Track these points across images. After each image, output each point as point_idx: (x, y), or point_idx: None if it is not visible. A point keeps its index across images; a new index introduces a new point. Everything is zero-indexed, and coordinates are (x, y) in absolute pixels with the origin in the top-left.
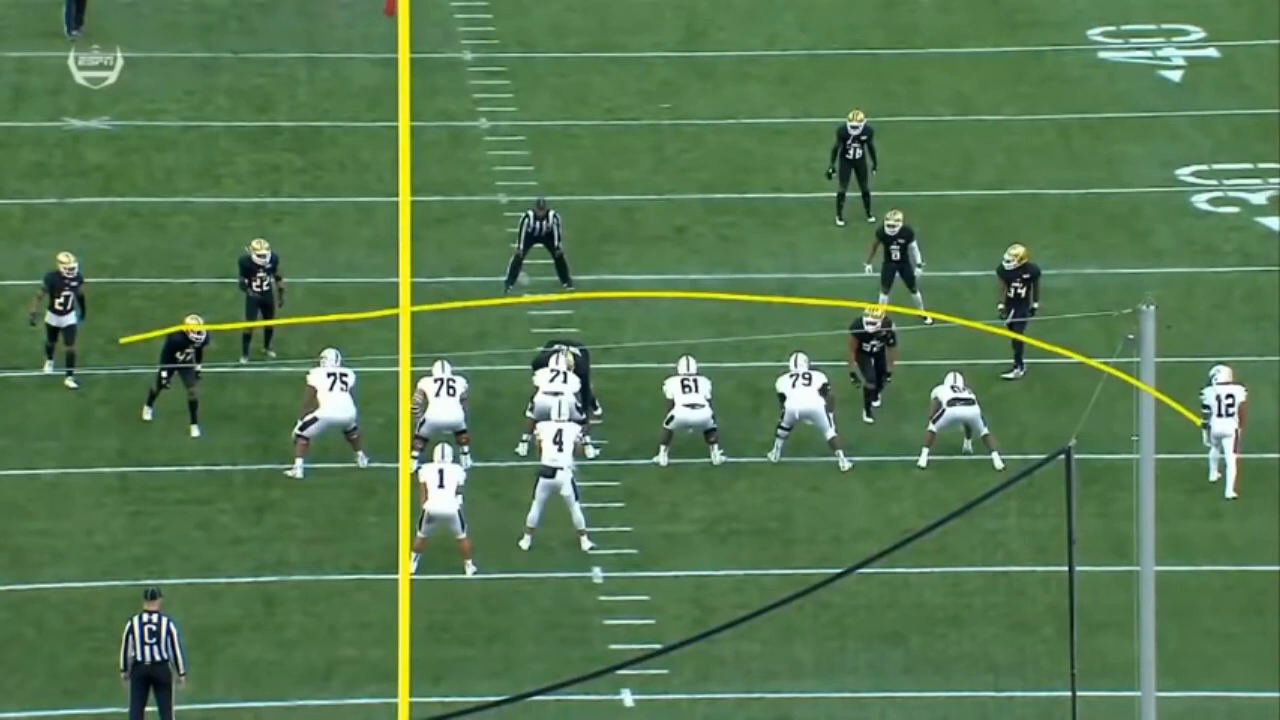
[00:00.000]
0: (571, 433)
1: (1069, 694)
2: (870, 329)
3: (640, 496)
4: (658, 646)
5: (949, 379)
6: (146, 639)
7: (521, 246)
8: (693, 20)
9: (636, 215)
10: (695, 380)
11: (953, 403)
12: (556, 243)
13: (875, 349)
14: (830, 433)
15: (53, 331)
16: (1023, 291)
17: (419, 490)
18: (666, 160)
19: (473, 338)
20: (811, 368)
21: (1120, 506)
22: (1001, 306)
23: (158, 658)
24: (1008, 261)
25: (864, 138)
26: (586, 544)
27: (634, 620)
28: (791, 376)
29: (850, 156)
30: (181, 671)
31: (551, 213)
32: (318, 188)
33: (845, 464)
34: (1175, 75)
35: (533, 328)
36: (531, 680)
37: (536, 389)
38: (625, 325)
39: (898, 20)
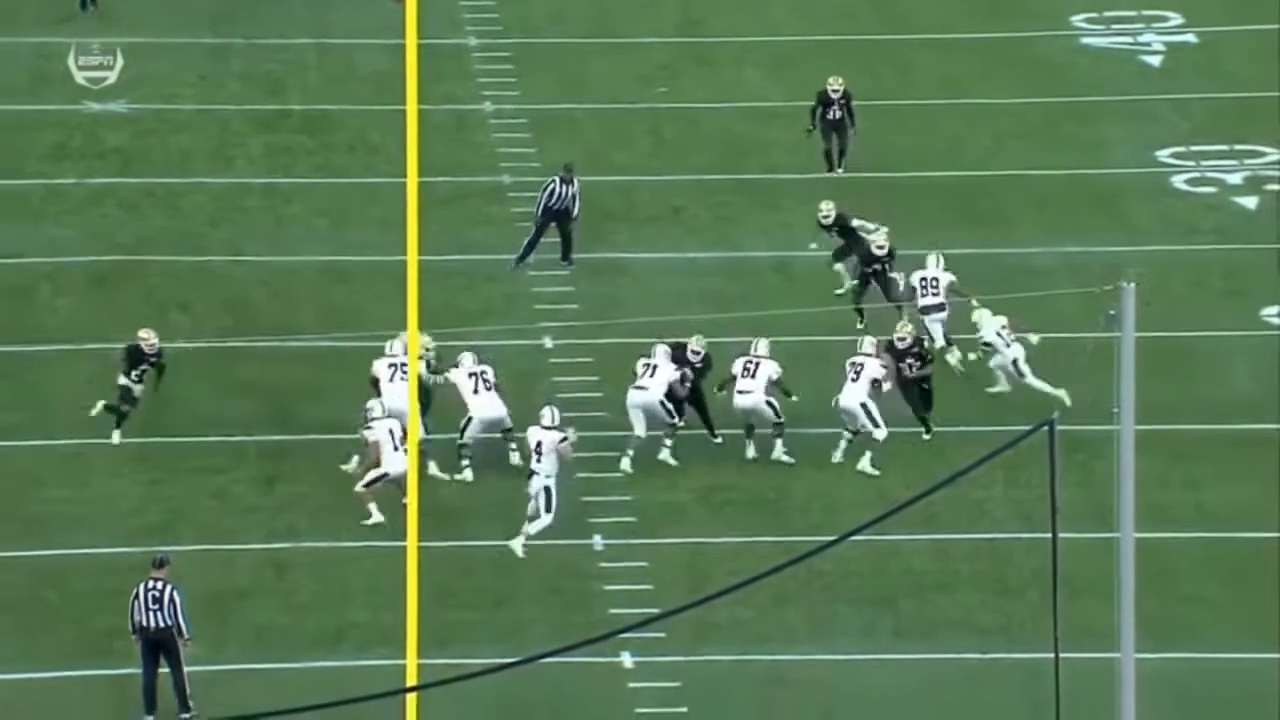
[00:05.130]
0: (551, 439)
1: (1052, 656)
2: (901, 345)
3: (639, 467)
4: (656, 611)
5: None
6: (150, 605)
7: (540, 218)
8: (689, 7)
9: (635, 196)
10: (756, 364)
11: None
12: (575, 213)
13: (915, 370)
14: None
15: (125, 392)
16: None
17: (372, 450)
18: (664, 143)
19: (478, 313)
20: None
21: (1101, 476)
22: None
23: (161, 623)
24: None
25: (843, 101)
26: (519, 548)
27: (633, 586)
28: (391, 366)
29: (831, 118)
30: (186, 636)
31: (576, 180)
32: (328, 169)
33: (784, 458)
34: (1155, 61)
35: (535, 304)
36: (535, 643)
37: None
38: (625, 302)
39: (889, 7)
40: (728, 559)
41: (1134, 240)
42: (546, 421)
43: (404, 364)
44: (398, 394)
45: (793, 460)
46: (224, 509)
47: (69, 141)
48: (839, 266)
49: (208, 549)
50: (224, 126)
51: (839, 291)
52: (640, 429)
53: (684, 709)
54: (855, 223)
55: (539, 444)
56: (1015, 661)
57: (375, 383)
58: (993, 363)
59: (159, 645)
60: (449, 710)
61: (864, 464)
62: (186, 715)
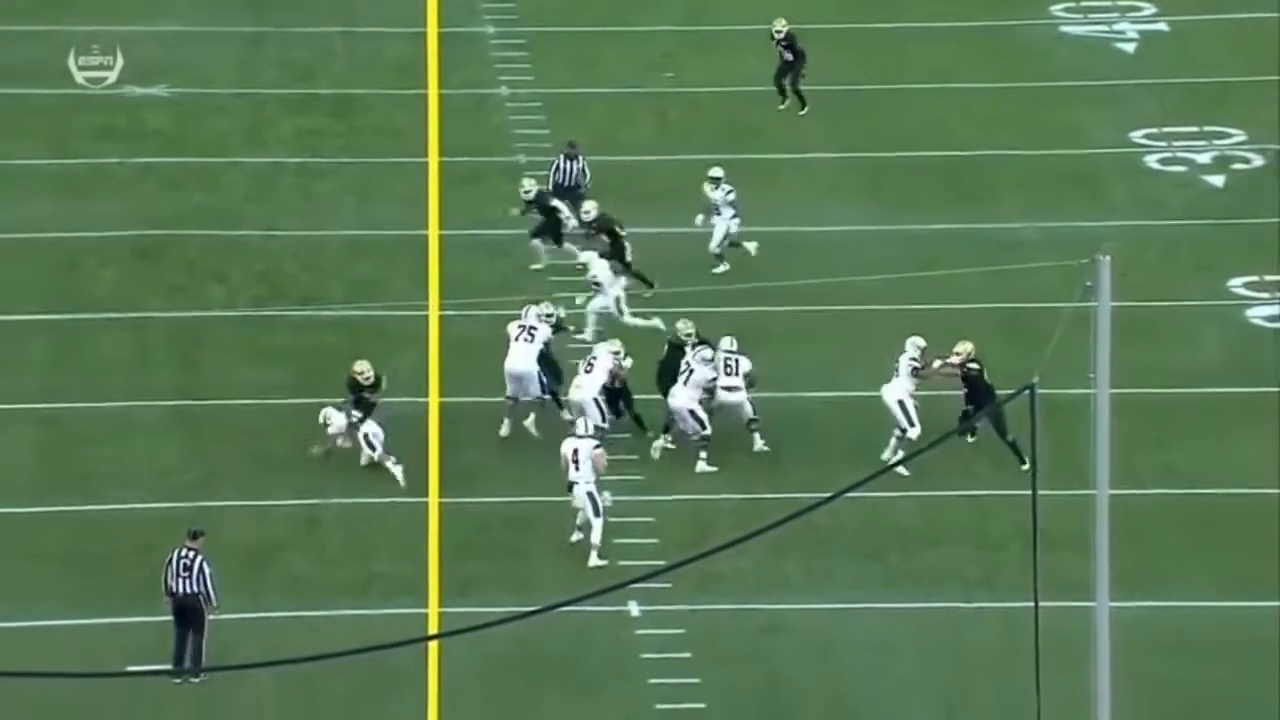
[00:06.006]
0: (587, 448)
1: (1031, 605)
2: (956, 359)
3: (645, 428)
4: (662, 563)
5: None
6: (180, 572)
7: (552, 194)
8: None
9: (642, 174)
10: (736, 360)
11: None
12: (583, 187)
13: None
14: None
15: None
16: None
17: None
18: (669, 124)
19: (495, 285)
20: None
21: (1078, 437)
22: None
23: (189, 590)
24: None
25: (785, 43)
26: (594, 560)
27: (640, 540)
28: (520, 327)
29: (782, 60)
30: (214, 604)
31: (580, 155)
32: (354, 149)
33: (764, 447)
34: (1129, 48)
35: (548, 276)
36: (548, 594)
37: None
38: None
39: None
40: (729, 514)
41: (1110, 216)
42: (581, 431)
43: (533, 328)
44: (521, 355)
45: (769, 448)
46: (259, 468)
47: (113, 123)
48: (536, 242)
49: (244, 505)
50: (258, 110)
51: (536, 267)
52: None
53: (687, 654)
54: (555, 203)
55: (575, 452)
56: (997, 610)
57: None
58: (594, 304)
59: (185, 610)
60: (468, 655)
61: (888, 453)
62: (195, 680)
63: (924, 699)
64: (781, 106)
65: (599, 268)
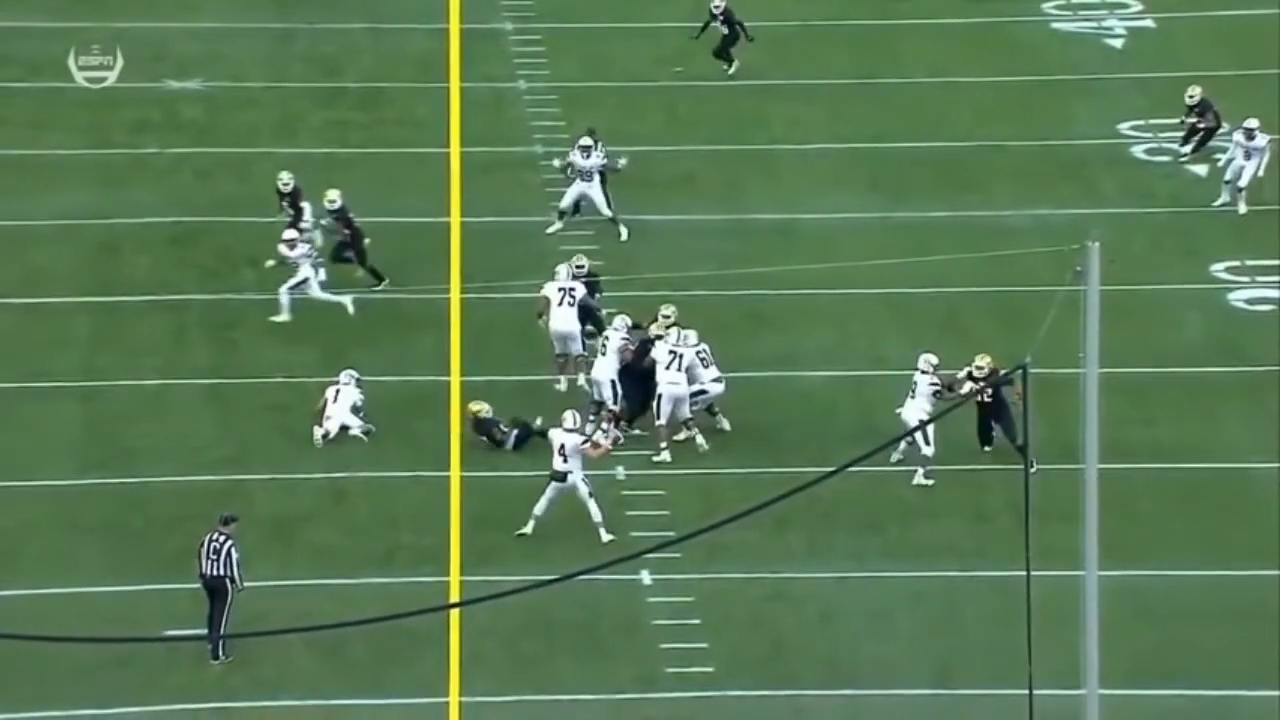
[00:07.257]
0: (573, 442)
1: (1023, 574)
2: (979, 374)
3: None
4: (672, 534)
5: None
6: (210, 555)
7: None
8: None
9: (652, 164)
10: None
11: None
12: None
13: (987, 397)
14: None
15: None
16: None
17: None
18: (677, 117)
19: (513, 268)
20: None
21: (1069, 414)
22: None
23: (215, 572)
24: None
25: (722, 18)
26: (606, 536)
27: (651, 512)
28: (560, 290)
29: (724, 33)
30: (239, 586)
31: (598, 141)
32: (379, 141)
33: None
34: (1117, 43)
35: (564, 260)
36: (564, 563)
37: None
38: (643, 258)
39: None
40: (735, 488)
41: (1098, 204)
42: (568, 425)
43: (572, 289)
44: (565, 316)
45: (707, 446)
46: (289, 442)
47: (150, 116)
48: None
49: (275, 478)
50: (288, 102)
51: (270, 264)
52: (663, 420)
53: (696, 621)
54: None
55: (562, 446)
56: (990, 579)
57: (547, 304)
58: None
59: (212, 590)
60: (487, 621)
61: (918, 478)
62: (215, 661)
63: (920, 663)
64: (729, 71)
65: (297, 251)
